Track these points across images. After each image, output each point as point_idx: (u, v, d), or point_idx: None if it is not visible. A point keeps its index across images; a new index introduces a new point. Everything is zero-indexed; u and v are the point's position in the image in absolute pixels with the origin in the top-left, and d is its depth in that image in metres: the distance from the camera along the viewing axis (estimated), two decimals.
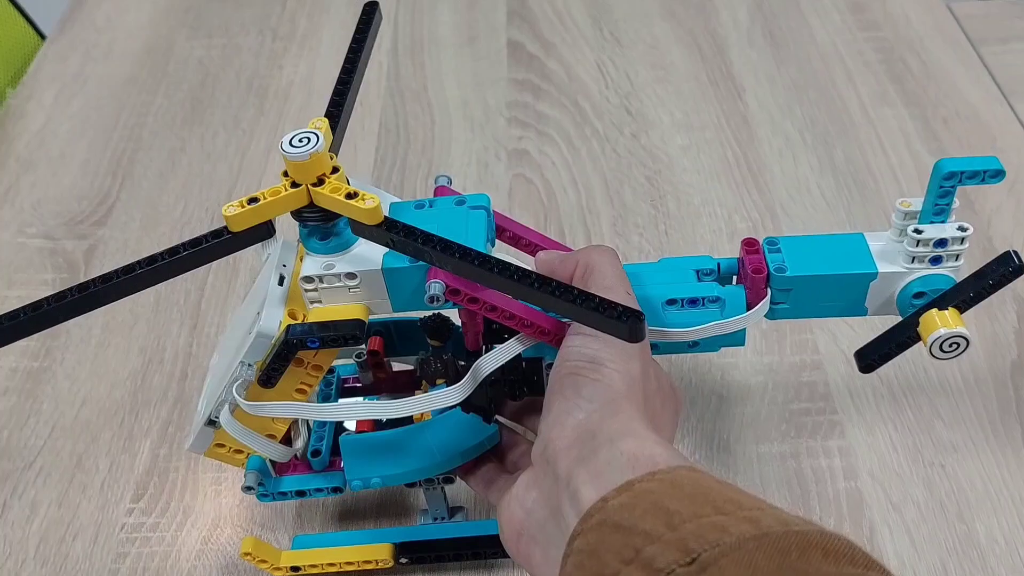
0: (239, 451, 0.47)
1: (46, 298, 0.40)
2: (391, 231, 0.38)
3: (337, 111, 0.44)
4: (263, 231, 0.40)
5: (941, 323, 0.41)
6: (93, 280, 0.39)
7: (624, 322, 0.35)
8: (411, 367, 0.54)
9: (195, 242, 0.39)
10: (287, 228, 0.42)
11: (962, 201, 0.43)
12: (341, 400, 0.53)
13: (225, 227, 0.39)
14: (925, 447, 0.56)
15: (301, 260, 0.44)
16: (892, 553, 0.51)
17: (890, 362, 0.46)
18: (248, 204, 0.39)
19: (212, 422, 0.45)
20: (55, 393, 0.63)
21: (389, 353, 0.52)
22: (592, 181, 0.76)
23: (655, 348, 0.45)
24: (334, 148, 0.42)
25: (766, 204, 0.72)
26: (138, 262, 0.39)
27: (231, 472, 0.57)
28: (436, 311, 0.48)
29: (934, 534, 0.52)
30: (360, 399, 0.52)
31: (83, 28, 0.95)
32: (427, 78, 0.86)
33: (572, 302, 0.37)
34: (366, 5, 0.48)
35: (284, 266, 0.43)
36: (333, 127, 0.42)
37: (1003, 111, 0.78)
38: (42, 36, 0.97)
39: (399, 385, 0.53)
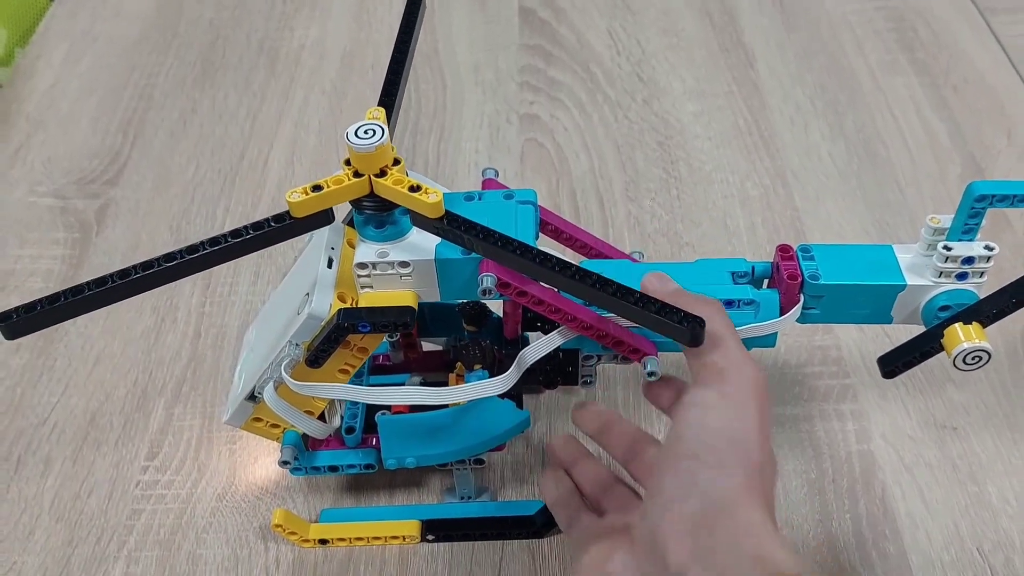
0: (275, 425, 0.49)
1: (108, 275, 0.40)
2: (451, 225, 0.39)
3: (391, 100, 0.45)
4: (323, 218, 0.40)
5: (965, 337, 0.42)
6: (156, 259, 0.40)
7: (685, 326, 0.37)
8: (440, 347, 0.55)
9: (258, 225, 0.40)
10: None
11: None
12: (378, 385, 0.54)
13: (287, 212, 0.40)
14: (937, 410, 0.56)
15: (349, 244, 0.45)
16: (904, 514, 0.52)
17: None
18: (312, 191, 0.39)
19: (252, 397, 0.46)
20: (68, 351, 0.63)
21: (422, 334, 0.54)
22: (604, 147, 0.75)
23: None
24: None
25: (777, 170, 0.72)
26: (201, 243, 0.39)
27: (245, 433, 0.58)
28: None
29: (946, 496, 0.53)
30: (412, 385, 0.53)
31: None
32: (438, 41, 0.86)
33: (635, 305, 0.38)
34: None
35: (333, 249, 0.45)
36: (387, 117, 0.43)
37: (1012, 79, 0.78)
38: None
39: (430, 365, 0.55)
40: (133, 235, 0.70)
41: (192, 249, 0.40)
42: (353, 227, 0.45)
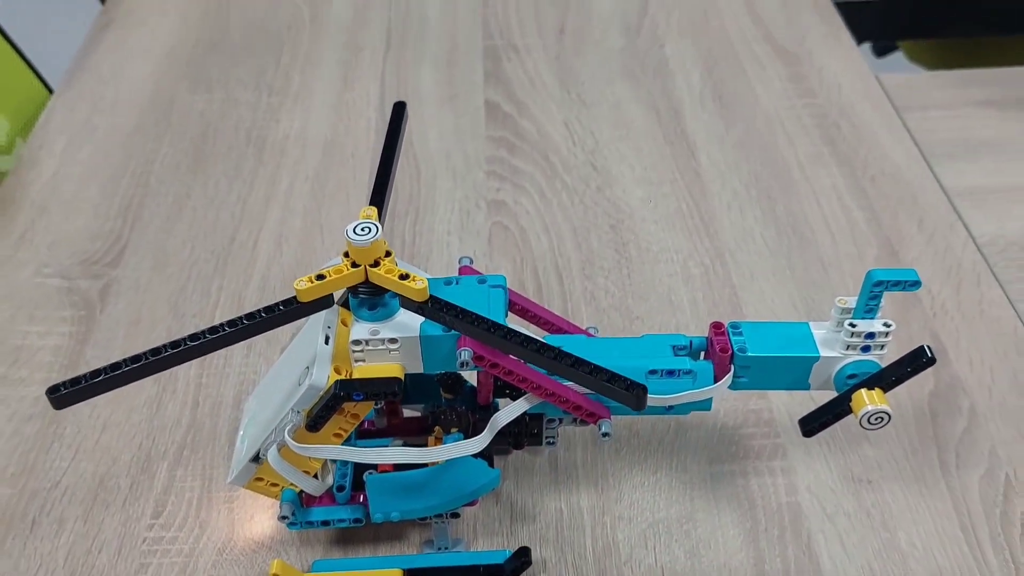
0: (275, 484, 0.55)
1: (143, 353, 0.46)
2: (435, 307, 0.47)
3: (380, 199, 0.52)
4: (325, 302, 0.48)
5: (869, 401, 0.50)
6: (170, 343, 0.47)
7: (631, 392, 0.44)
8: (419, 414, 0.62)
9: (269, 309, 0.47)
10: None
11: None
12: (364, 444, 0.59)
13: (295, 297, 0.47)
14: (854, 465, 0.64)
15: (343, 323, 0.52)
16: (827, 557, 0.59)
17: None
18: (316, 280, 0.46)
19: (256, 459, 0.53)
20: (76, 419, 0.69)
21: (403, 401, 0.61)
22: (563, 229, 0.84)
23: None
24: None
25: (716, 251, 0.81)
26: (221, 324, 0.46)
27: (242, 492, 0.64)
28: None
29: (862, 541, 0.60)
30: (396, 446, 0.59)
31: (89, 80, 1.01)
32: (412, 132, 0.94)
33: (588, 374, 0.45)
34: (396, 105, 0.58)
35: (329, 328, 0.51)
36: (378, 215, 0.50)
37: (923, 171, 0.88)
38: (50, 90, 1.03)
39: (410, 429, 0.61)
40: (134, 311, 0.76)
41: (214, 330, 0.47)
42: (347, 308, 0.52)
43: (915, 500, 0.62)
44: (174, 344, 0.47)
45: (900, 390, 0.67)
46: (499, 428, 0.51)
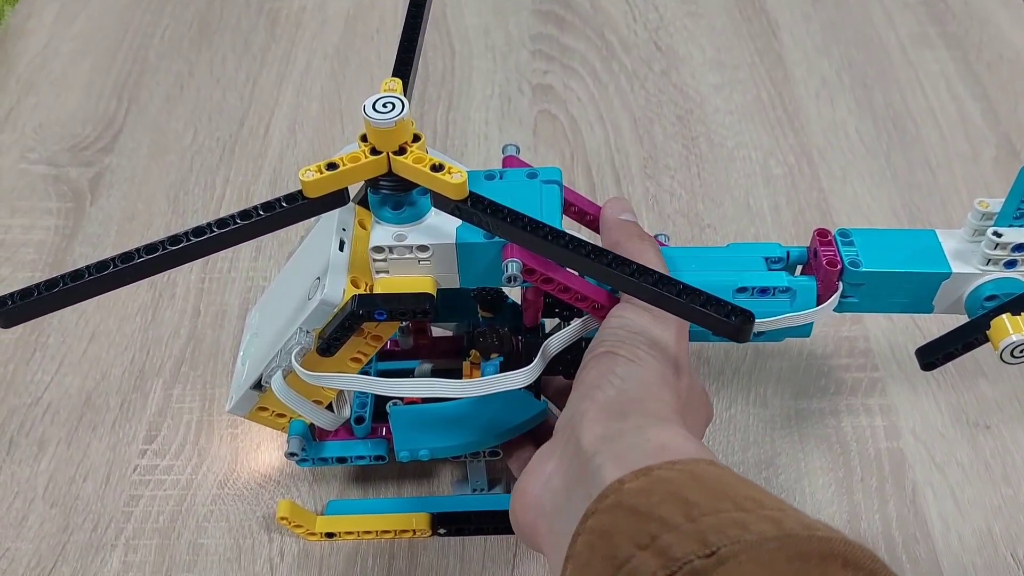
0: (281, 415, 0.46)
1: (111, 259, 0.37)
2: (476, 207, 0.37)
3: (406, 70, 0.41)
4: (338, 198, 0.38)
5: (1014, 329, 0.40)
6: (161, 241, 0.37)
7: (733, 320, 0.34)
8: (450, 333, 0.53)
9: (269, 206, 0.37)
10: None
11: None
12: (387, 371, 0.52)
13: (300, 192, 0.37)
14: (970, 406, 0.54)
15: (361, 225, 0.43)
16: (936, 515, 0.50)
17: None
18: (327, 170, 0.36)
19: (259, 386, 0.44)
20: (61, 326, 0.60)
21: (433, 319, 0.51)
22: (620, 119, 0.72)
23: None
24: None
25: (802, 148, 0.70)
26: (208, 224, 0.37)
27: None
28: None
29: (979, 496, 0.51)
30: (427, 377, 0.51)
31: None
32: (446, 4, 0.82)
33: (677, 296, 0.35)
34: None
35: (344, 230, 0.42)
36: (403, 89, 0.40)
37: None
38: None
39: (441, 351, 0.52)
40: (129, 205, 0.67)
41: (199, 232, 0.37)
42: (365, 207, 0.42)
43: None
44: (149, 248, 0.37)
45: None
46: (552, 356, 0.42)
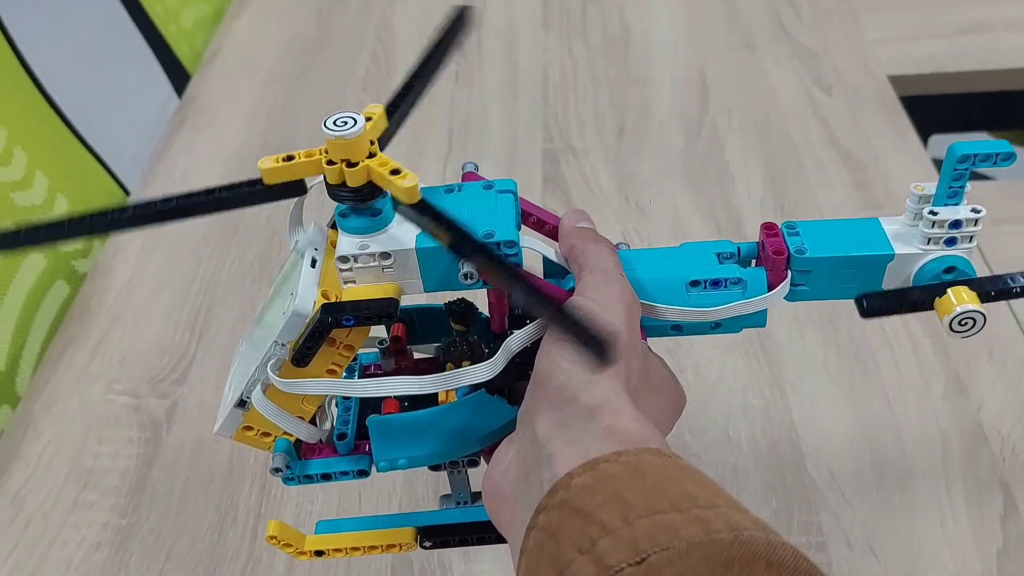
0: (266, 434, 0.48)
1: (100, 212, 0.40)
2: (423, 213, 0.38)
3: (396, 106, 0.43)
4: (296, 188, 0.40)
5: (957, 300, 0.43)
6: (135, 205, 0.40)
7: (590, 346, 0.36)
8: (431, 355, 0.55)
9: (230, 187, 0.40)
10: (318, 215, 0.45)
11: None
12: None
13: (260, 179, 0.40)
14: None
15: (332, 245, 0.45)
16: None
17: None
18: (284, 160, 0.40)
19: (242, 403, 0.46)
20: (142, 548, 0.68)
21: (411, 340, 0.53)
22: None
23: (680, 330, 0.47)
24: (384, 141, 0.42)
25: (775, 378, 0.78)
26: (176, 196, 0.39)
27: None
28: (461, 297, 0.49)
29: None
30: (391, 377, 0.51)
31: (162, 182, 1.00)
32: None
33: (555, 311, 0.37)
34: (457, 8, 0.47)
35: (316, 249, 0.45)
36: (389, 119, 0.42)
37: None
38: (126, 191, 1.01)
39: (420, 372, 0.52)
40: (199, 432, 0.75)
41: (167, 200, 0.40)
42: (336, 229, 0.44)
43: None
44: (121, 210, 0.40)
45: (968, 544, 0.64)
46: (514, 352, 0.44)
